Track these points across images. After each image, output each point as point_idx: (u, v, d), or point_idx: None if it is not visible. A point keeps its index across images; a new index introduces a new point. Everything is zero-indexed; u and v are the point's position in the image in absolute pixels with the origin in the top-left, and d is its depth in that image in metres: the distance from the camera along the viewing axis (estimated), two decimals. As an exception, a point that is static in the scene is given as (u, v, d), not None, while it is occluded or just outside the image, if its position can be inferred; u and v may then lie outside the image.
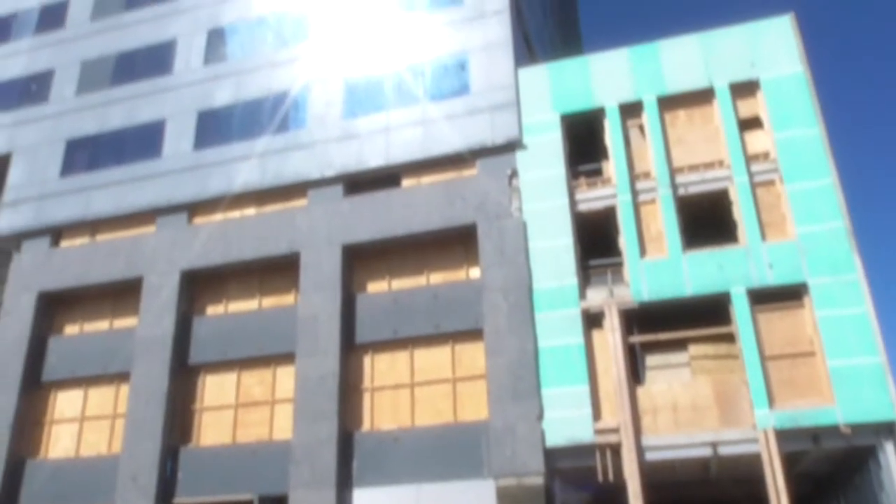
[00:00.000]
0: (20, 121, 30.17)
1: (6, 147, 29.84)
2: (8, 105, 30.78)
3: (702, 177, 21.55)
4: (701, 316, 20.10)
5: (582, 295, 20.92)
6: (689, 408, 19.34)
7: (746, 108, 21.90)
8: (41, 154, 29.09)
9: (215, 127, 26.87)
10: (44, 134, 29.48)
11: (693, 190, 21.53)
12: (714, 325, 20.06)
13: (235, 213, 25.64)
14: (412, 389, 21.98)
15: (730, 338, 19.89)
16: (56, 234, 27.77)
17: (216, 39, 28.58)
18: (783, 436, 18.29)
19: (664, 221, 21.15)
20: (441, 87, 24.57)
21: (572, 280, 21.03)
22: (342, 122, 25.21)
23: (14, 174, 29.17)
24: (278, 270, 24.64)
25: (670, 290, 20.25)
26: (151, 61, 29.19)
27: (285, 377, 23.24)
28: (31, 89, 30.82)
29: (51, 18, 32.11)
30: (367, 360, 22.74)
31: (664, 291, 20.28)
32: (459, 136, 23.59)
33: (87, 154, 28.57)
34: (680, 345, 20.32)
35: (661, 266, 20.59)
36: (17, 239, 28.06)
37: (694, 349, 20.20)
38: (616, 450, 19.32)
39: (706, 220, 21.59)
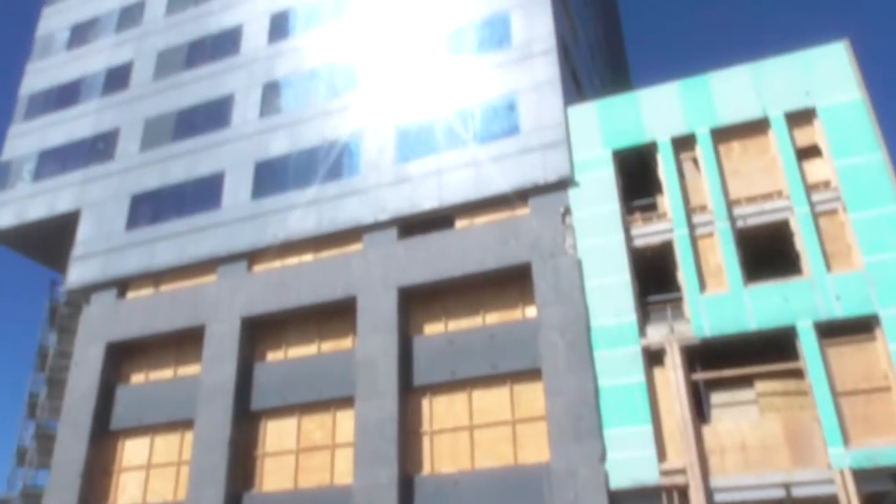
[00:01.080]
0: (88, 178, 31.52)
1: (76, 204, 31.16)
2: (77, 164, 32.21)
3: (760, 208, 21.11)
4: (767, 351, 19.50)
5: (641, 332, 20.54)
6: (759, 447, 18.65)
7: (803, 136, 21.46)
8: (108, 209, 30.25)
9: (272, 176, 27.59)
10: (110, 190, 30.71)
11: (752, 222, 21.08)
12: (781, 361, 19.41)
13: (293, 260, 26.13)
14: (471, 432, 21.77)
15: (798, 373, 19.19)
16: (122, 285, 28.72)
17: (271, 92, 29.51)
18: (861, 476, 17.45)
19: (723, 255, 20.72)
20: (491, 128, 24.79)
21: (631, 317, 20.69)
22: (395, 167, 25.59)
23: (83, 230, 30.38)
24: (336, 314, 24.92)
25: (733, 325, 19.72)
26: (210, 116, 30.26)
27: (345, 421, 23.32)
28: (99, 148, 32.23)
29: (116, 80, 33.68)
30: (425, 402, 22.67)
31: (726, 327, 19.77)
32: (511, 176, 23.69)
33: (150, 208, 29.60)
34: (746, 381, 19.69)
35: (722, 300, 20.11)
36: (87, 292, 29.10)
37: (761, 386, 19.55)
38: (683, 492, 18.71)
39: (767, 253, 21.10)
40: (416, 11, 28.10)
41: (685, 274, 20.85)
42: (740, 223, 21.13)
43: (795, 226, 20.50)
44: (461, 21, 27.10)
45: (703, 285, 20.61)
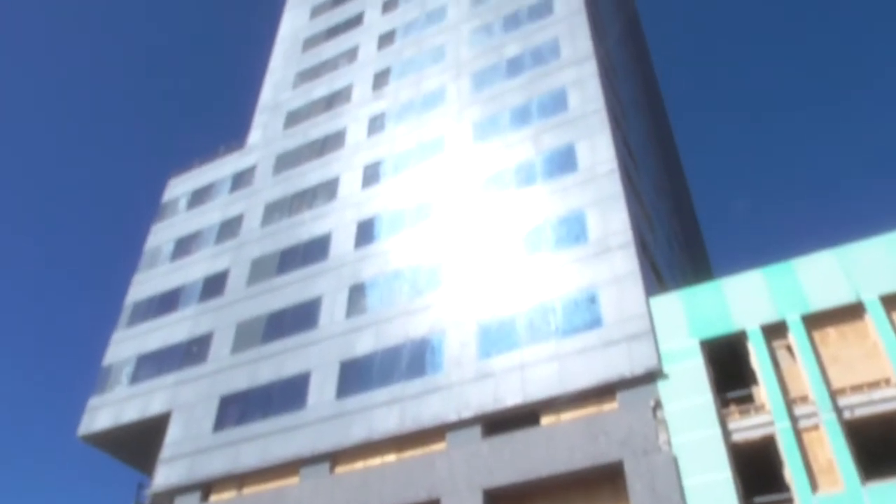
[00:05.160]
0: (181, 381, 32.54)
1: (168, 406, 31.95)
2: (171, 367, 33.47)
3: (868, 398, 19.77)
4: (899, 560, 17.37)
5: (751, 538, 18.76)
6: None
7: (904, 320, 20.48)
8: (197, 411, 30.85)
9: (356, 375, 27.85)
10: (201, 392, 31.49)
11: (860, 413, 19.68)
12: (918, 572, 17.20)
13: (376, 460, 25.62)
14: None
15: (941, 587, 16.88)
16: (206, 488, 28.54)
17: (357, 294, 30.59)
18: None
19: (833, 449, 19.19)
20: (573, 321, 24.72)
21: (738, 521, 19.00)
22: (477, 363, 25.51)
23: (172, 431, 30.88)
24: (419, 520, 23.84)
25: (855, 529, 17.80)
26: (299, 318, 31.38)
27: None
28: (193, 351, 33.56)
29: (213, 287, 35.73)
30: None
31: (848, 531, 17.85)
32: (596, 370, 23.21)
33: (237, 409, 30.04)
34: None
35: (838, 502, 18.33)
36: (171, 494, 29.00)
37: None
38: None
39: (884, 446, 19.43)
40: (495, 213, 29.35)
41: (793, 472, 19.28)
42: (848, 414, 19.75)
43: (910, 416, 19.01)
44: (538, 220, 28.07)
45: (814, 484, 18.95)
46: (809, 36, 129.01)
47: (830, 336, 21.26)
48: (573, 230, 27.03)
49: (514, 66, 34.68)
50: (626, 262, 25.11)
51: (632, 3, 65.31)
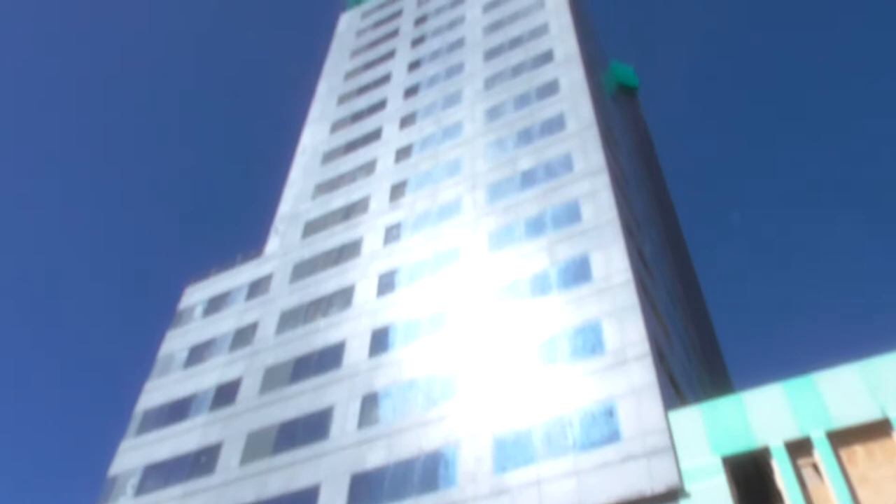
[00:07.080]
0: (188, 493, 31.70)
1: (173, 520, 31.03)
2: (179, 478, 32.67)
3: (902, 520, 18.92)
4: None
5: None
6: None
7: (933, 438, 19.84)
8: (203, 525, 29.89)
9: (367, 490, 27.05)
10: (207, 505, 30.61)
11: (895, 537, 18.79)
12: None
13: (386, 583, 24.50)
14: None
15: None
16: None
17: (370, 404, 30.16)
18: None
19: (869, 577, 18.21)
20: (591, 435, 24.14)
21: None
22: (492, 478, 24.77)
23: (176, 547, 29.84)
24: None
25: None
26: (310, 428, 30.84)
27: None
28: (201, 461, 32.85)
29: (225, 395, 35.38)
30: None
31: None
32: (615, 487, 22.44)
33: (244, 523, 29.08)
34: None
35: None
36: None
37: None
38: None
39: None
40: (510, 323, 29.27)
41: None
42: (882, 539, 18.84)
43: (948, 541, 18.10)
44: (553, 330, 27.93)
45: None
46: (827, 133, 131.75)
47: (858, 454, 20.57)
48: (589, 341, 26.83)
49: (528, 179, 35.51)
50: (643, 374, 24.74)
51: (641, 116, 67.38)
